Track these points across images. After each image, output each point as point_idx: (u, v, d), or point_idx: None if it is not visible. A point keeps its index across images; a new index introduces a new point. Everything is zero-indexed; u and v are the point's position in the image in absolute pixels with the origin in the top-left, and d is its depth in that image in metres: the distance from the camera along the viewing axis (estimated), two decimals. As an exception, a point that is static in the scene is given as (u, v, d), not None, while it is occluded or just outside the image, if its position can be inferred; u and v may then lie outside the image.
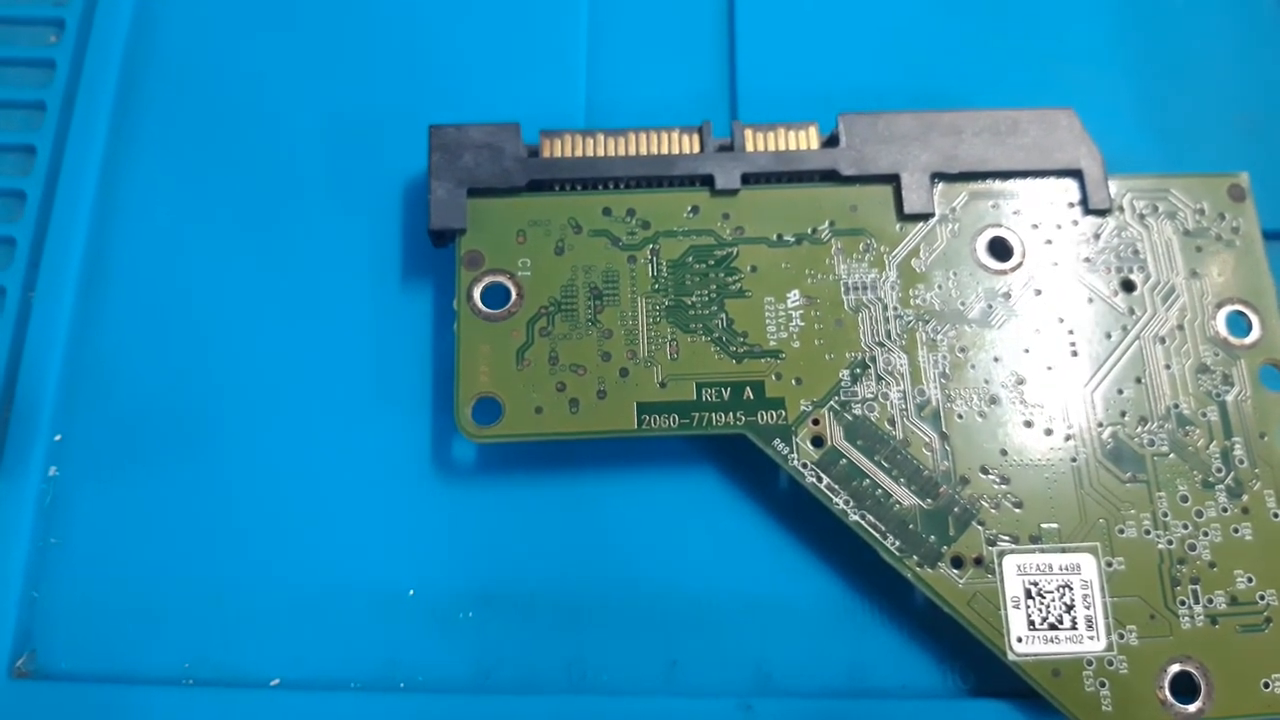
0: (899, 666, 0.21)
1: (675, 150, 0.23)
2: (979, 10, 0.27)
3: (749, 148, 0.23)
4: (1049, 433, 0.21)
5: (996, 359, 0.22)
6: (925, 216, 0.22)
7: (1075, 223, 0.23)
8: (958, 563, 0.20)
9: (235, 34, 0.26)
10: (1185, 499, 0.21)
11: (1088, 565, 0.20)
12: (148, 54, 0.26)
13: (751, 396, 0.21)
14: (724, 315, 0.22)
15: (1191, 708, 0.20)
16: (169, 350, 0.23)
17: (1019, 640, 0.20)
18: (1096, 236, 0.23)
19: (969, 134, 0.23)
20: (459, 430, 0.21)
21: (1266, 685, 0.20)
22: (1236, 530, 0.21)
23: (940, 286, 0.22)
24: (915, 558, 0.20)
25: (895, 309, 0.22)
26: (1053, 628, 0.20)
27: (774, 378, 0.21)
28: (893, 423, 0.21)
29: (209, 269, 0.24)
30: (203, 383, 0.23)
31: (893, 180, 0.23)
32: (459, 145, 0.22)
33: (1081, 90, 0.25)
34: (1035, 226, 0.23)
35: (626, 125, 0.23)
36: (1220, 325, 0.22)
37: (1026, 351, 0.22)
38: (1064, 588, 0.20)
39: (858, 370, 0.21)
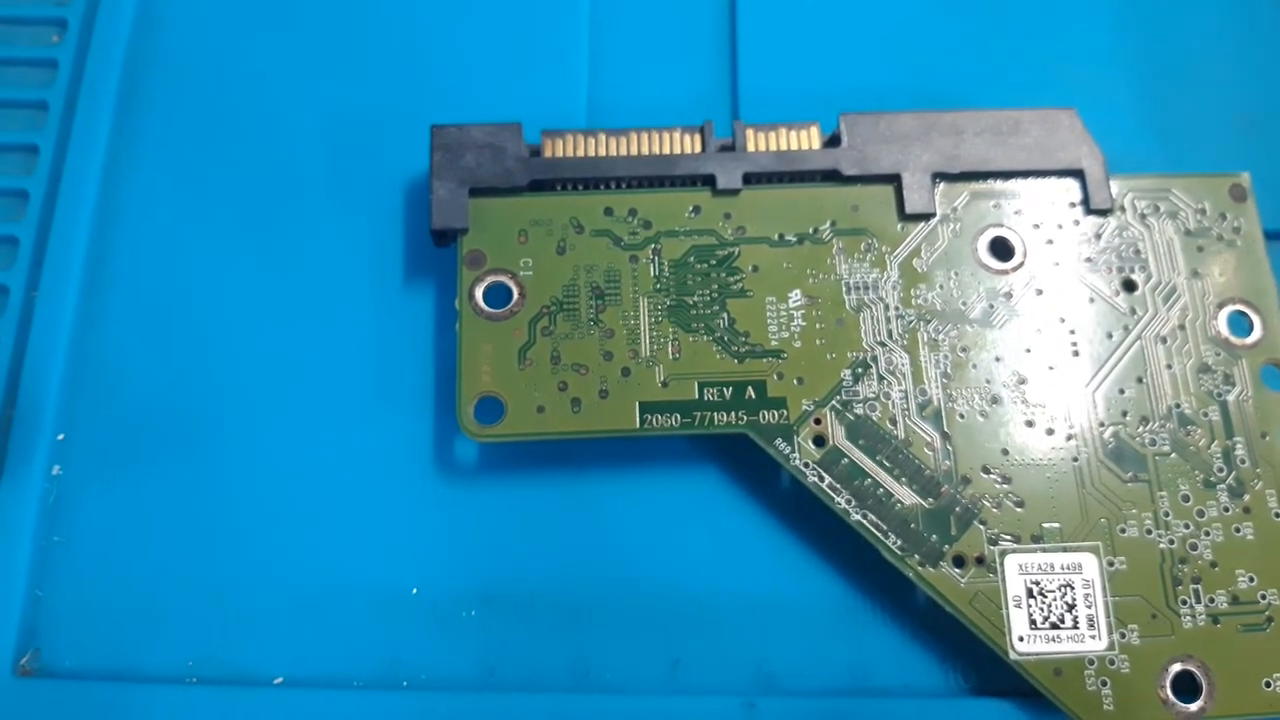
0: (901, 666, 0.21)
1: (677, 150, 0.23)
2: (980, 10, 0.27)
3: (750, 148, 0.23)
4: (1050, 432, 0.21)
5: (998, 359, 0.22)
6: (927, 216, 0.22)
7: (1076, 222, 0.23)
8: (959, 562, 0.20)
9: (237, 34, 0.26)
10: (1187, 498, 0.21)
11: (1089, 565, 0.20)
12: (149, 54, 0.26)
13: (753, 396, 0.21)
14: (726, 315, 0.22)
15: (1193, 707, 0.20)
16: (172, 349, 0.23)
17: (1020, 639, 0.20)
18: (1098, 236, 0.23)
19: (970, 134, 0.23)
20: (461, 430, 0.21)
21: (1268, 684, 0.20)
22: (1238, 530, 0.21)
23: (942, 286, 0.22)
24: (917, 557, 0.20)
25: (897, 309, 0.22)
26: (1054, 627, 0.20)
27: (776, 377, 0.21)
28: (894, 422, 0.21)
29: (211, 268, 0.24)
30: (205, 382, 0.23)
31: (894, 180, 0.23)
32: (461, 145, 0.22)
33: (1083, 90, 0.25)
34: (1037, 226, 0.23)
35: (628, 125, 0.23)
36: (1221, 325, 0.22)
37: (1028, 351, 0.22)
38: (1065, 587, 0.20)
39: (859, 370, 0.21)
